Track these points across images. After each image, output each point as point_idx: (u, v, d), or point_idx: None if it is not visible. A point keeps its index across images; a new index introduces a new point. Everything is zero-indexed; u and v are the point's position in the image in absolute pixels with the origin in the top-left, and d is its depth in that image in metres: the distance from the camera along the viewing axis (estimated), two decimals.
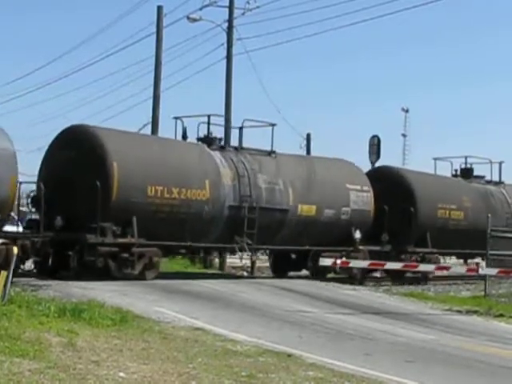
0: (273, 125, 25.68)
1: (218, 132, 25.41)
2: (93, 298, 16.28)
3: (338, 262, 22.12)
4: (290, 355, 11.79)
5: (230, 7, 34.90)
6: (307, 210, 25.43)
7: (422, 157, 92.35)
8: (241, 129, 25.26)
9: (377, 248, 27.16)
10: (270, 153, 25.62)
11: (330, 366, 11.25)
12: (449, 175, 33.04)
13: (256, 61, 37.71)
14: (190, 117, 24.85)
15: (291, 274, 26.93)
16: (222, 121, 25.80)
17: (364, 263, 23.90)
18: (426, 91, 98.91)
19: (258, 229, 23.68)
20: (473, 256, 32.21)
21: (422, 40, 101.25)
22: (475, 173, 33.52)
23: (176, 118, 24.55)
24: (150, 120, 33.55)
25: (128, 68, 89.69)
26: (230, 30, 34.64)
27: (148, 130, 33.40)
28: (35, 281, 19.29)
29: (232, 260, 31.06)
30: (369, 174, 28.43)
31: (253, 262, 29.97)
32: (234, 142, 26.03)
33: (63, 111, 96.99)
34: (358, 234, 26.30)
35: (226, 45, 34.70)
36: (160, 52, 34.15)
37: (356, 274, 26.19)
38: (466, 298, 23.40)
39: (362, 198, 26.96)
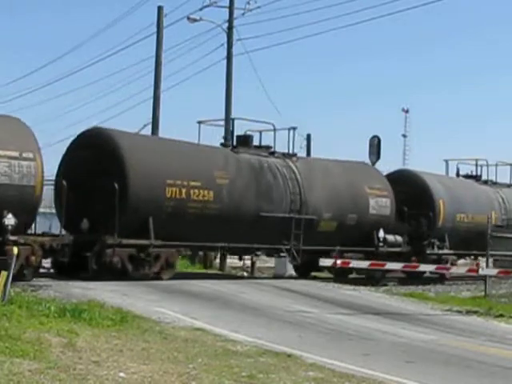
0: None
1: None
2: (93, 298, 16.28)
3: (339, 262, 22.12)
4: (290, 355, 11.79)
5: (230, 8, 34.93)
6: None
7: (422, 157, 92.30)
8: None
9: (48, 240, 20.36)
10: None
11: (331, 366, 11.25)
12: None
13: (256, 61, 37.86)
14: None
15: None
16: None
17: (364, 263, 23.85)
18: (426, 92, 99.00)
19: None
20: (245, 251, 25.42)
21: (423, 40, 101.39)
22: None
23: None
24: (151, 120, 33.60)
25: (128, 68, 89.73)
26: (230, 31, 34.66)
27: (148, 131, 33.45)
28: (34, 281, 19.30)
29: (232, 260, 31.08)
30: (76, 140, 22.32)
31: (253, 263, 29.91)
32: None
33: (64, 111, 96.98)
34: (9, 220, 19.53)
35: (226, 45, 34.74)
36: (160, 52, 34.19)
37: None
38: (467, 298, 23.39)
39: (18, 168, 19.36)
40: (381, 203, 27.71)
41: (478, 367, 12.35)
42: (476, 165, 33.94)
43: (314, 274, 27.53)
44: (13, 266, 14.60)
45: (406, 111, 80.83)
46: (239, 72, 52.97)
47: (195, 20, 34.79)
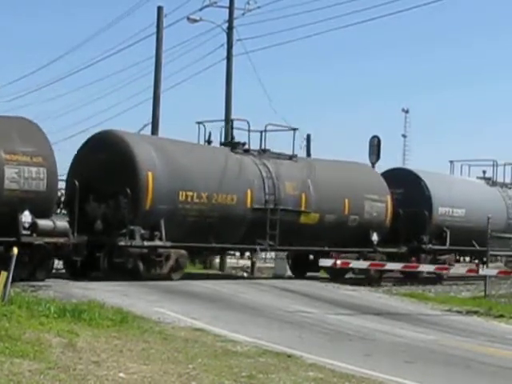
0: None
1: None
2: (93, 298, 16.28)
3: (339, 262, 22.13)
4: (290, 355, 11.79)
5: (230, 8, 34.91)
6: None
7: (422, 157, 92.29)
8: None
9: None
10: None
11: (330, 366, 11.25)
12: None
13: (256, 61, 37.80)
14: None
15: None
16: None
17: (365, 264, 23.88)
18: (426, 92, 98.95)
19: None
20: None
21: (423, 40, 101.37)
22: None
23: None
24: (150, 120, 33.56)
25: (128, 68, 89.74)
26: (230, 31, 34.66)
27: (148, 131, 33.40)
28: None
29: (232, 260, 31.10)
30: None
31: (253, 263, 29.89)
32: None
33: (64, 111, 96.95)
34: None
35: (226, 45, 34.73)
36: (160, 52, 34.16)
37: None
38: (466, 298, 23.41)
39: None
40: (28, 175, 19.52)
41: (477, 367, 12.36)
42: (230, 127, 26.24)
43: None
44: (13, 266, 14.59)
45: (406, 111, 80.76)
46: (239, 72, 53.07)
47: (195, 20, 34.77)
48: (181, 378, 9.77)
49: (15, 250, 15.18)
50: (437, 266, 25.35)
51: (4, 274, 14.20)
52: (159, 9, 34.37)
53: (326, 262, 22.40)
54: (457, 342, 14.82)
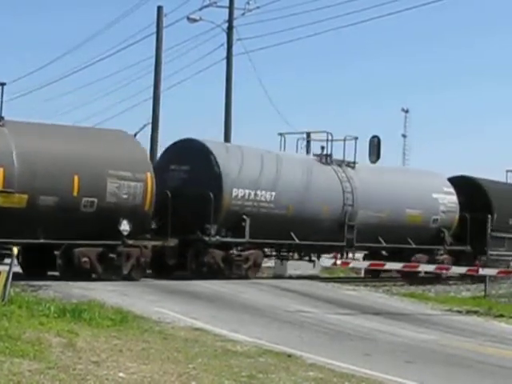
0: None
1: None
2: (93, 298, 16.28)
3: (339, 262, 22.13)
4: (289, 355, 11.79)
5: (230, 8, 34.97)
6: None
7: (422, 157, 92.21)
8: None
9: None
10: None
11: (331, 366, 11.24)
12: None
13: (256, 61, 37.78)
14: None
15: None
16: None
17: (365, 264, 23.87)
18: (426, 92, 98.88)
19: None
20: None
21: (423, 40, 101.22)
22: None
23: None
24: (150, 120, 33.57)
25: (128, 68, 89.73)
26: (229, 31, 34.70)
27: (148, 131, 33.37)
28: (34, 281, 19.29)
29: None
30: None
31: None
32: None
33: (64, 111, 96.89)
34: None
35: (226, 45, 34.78)
36: (160, 52, 34.21)
37: None
38: (466, 298, 23.42)
39: None
40: None
41: (477, 367, 12.36)
42: None
43: None
44: (12, 265, 14.58)
45: (406, 111, 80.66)
46: (239, 72, 53.14)
47: (195, 20, 34.82)
48: (181, 377, 9.77)
49: (15, 250, 15.16)
50: (437, 265, 25.32)
51: (4, 273, 14.19)
52: (159, 8, 34.43)
53: (326, 262, 22.39)
54: (457, 342, 14.82)
